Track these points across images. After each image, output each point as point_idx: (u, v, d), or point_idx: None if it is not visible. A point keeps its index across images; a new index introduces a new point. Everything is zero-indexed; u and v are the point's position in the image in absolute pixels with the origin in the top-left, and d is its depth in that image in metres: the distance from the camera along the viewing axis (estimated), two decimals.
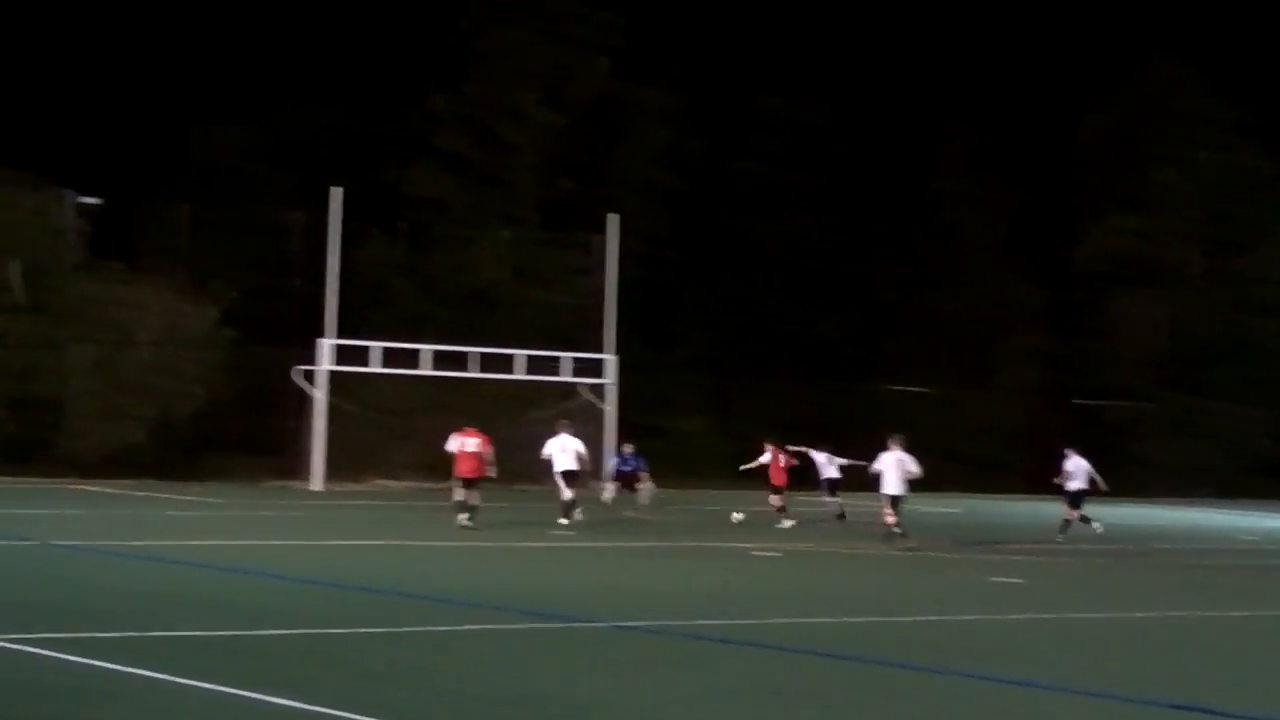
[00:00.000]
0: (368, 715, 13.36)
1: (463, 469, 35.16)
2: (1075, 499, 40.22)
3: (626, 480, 42.30)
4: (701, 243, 64.37)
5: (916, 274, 68.61)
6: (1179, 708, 15.77)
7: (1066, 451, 41.26)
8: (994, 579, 28.97)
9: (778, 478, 40.37)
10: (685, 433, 57.36)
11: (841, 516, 41.25)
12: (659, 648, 18.77)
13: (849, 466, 41.42)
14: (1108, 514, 51.79)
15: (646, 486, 41.96)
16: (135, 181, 56.27)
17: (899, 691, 16.35)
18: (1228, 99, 71.24)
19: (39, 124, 57.63)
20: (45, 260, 51.27)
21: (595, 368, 51.19)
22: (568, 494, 36.09)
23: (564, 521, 35.72)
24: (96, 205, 51.11)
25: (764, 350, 64.56)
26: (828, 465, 42.61)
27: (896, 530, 34.99)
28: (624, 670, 16.82)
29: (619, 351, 52.03)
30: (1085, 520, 39.69)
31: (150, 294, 51.08)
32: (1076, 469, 40.63)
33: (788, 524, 38.59)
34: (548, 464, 37.02)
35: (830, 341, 65.73)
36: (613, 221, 52.43)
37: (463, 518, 34.35)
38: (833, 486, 42.46)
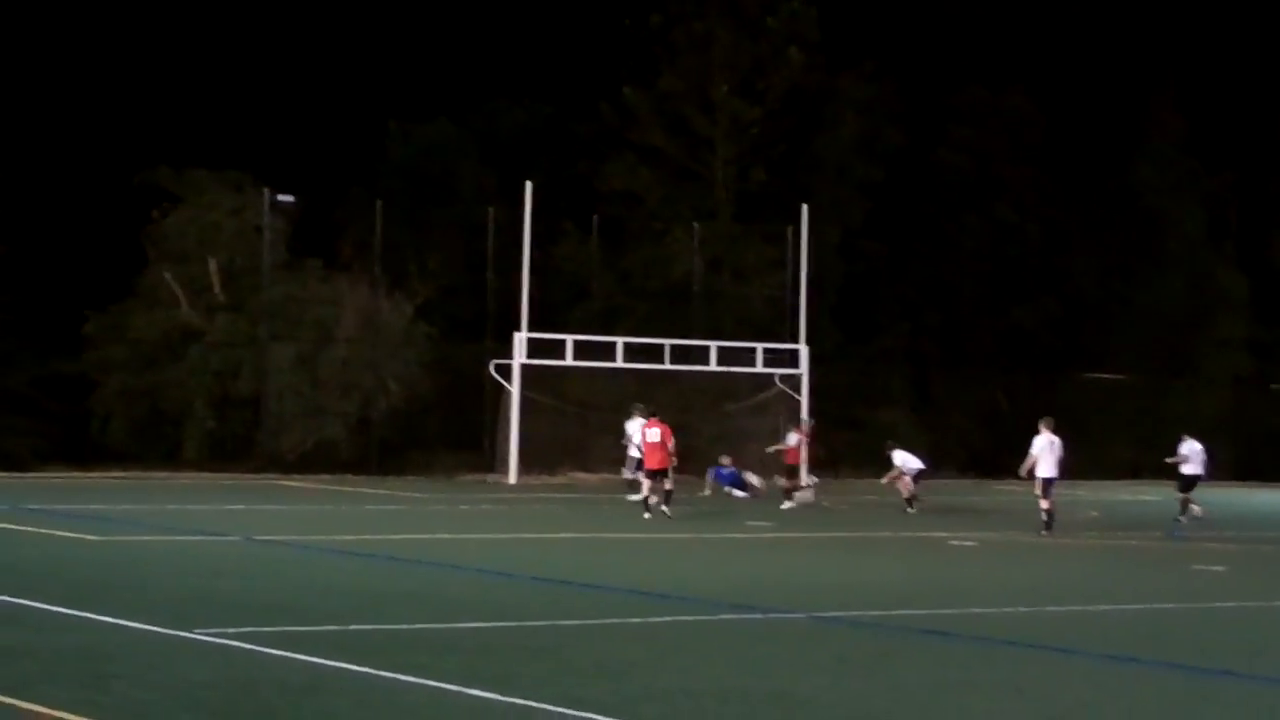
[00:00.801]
0: (574, 709, 13.32)
1: (649, 461, 35.40)
2: (1188, 483, 39.79)
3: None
4: (900, 233, 64.01)
5: (1117, 262, 67.75)
6: None
7: (1183, 436, 40.99)
8: (1196, 567, 28.53)
9: (793, 458, 41.82)
10: (883, 423, 57.00)
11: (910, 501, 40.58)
12: (859, 640, 18.67)
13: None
14: None
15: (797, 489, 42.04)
16: (333, 179, 56.97)
17: (1103, 683, 16.15)
18: None
19: (237, 123, 58.55)
20: (244, 258, 52.05)
21: (789, 358, 51.07)
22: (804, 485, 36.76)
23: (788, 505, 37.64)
24: (294, 203, 51.79)
25: (963, 341, 64.12)
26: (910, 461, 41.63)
27: (1044, 516, 34.53)
28: (827, 664, 16.69)
29: (815, 343, 51.90)
30: (1186, 505, 39.24)
31: (348, 291, 51.71)
32: (1191, 453, 40.34)
33: (788, 505, 39.59)
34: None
35: (1030, 331, 65.12)
36: (805, 212, 52.29)
37: (646, 515, 34.74)
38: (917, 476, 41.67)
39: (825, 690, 15.08)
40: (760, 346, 50.68)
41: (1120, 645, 18.56)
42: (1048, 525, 34.54)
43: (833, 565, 27.72)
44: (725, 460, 46.10)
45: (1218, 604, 23.12)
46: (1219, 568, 28.55)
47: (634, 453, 41.40)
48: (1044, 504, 34.76)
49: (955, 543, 32.27)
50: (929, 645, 18.34)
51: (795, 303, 51.97)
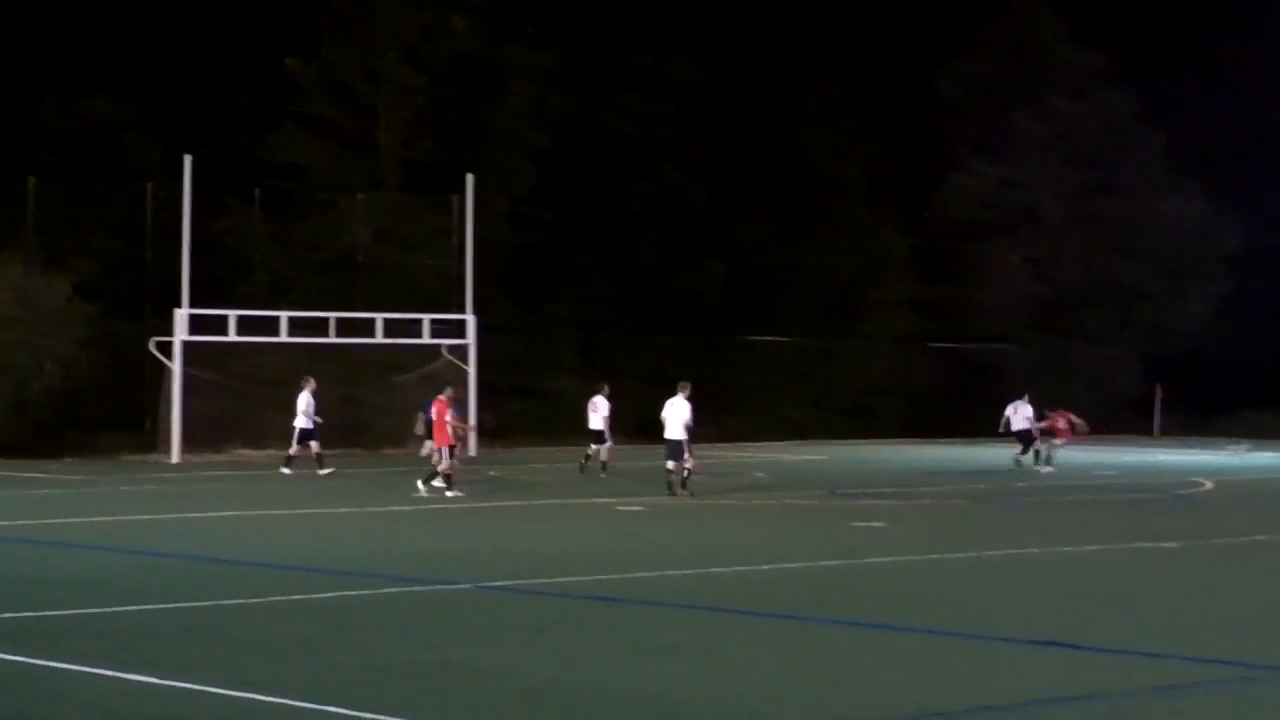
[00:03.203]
0: (241, 690, 13.17)
1: (439, 439, 35.07)
2: (1024, 437, 45.79)
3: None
4: (570, 201, 64.10)
5: (784, 226, 68.75)
6: (1040, 643, 15.90)
7: (1012, 400, 46.59)
8: (856, 524, 29.14)
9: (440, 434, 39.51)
10: (557, 392, 57.14)
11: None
12: (526, 608, 18.71)
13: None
14: (978, 456, 52.48)
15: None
16: None
17: (771, 640, 16.40)
18: (1086, 43, 71.80)
19: None
20: None
21: (456, 329, 50.89)
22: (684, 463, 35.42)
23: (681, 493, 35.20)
24: None
25: (634, 306, 64.49)
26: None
27: (681, 475, 34.89)
28: (495, 633, 16.74)
29: (484, 312, 51.76)
30: (1027, 455, 45.63)
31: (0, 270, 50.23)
32: (1017, 412, 46.02)
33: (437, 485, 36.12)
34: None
35: (700, 296, 65.76)
36: (470, 181, 52.12)
37: (450, 492, 34.39)
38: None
39: (494, 660, 15.10)
40: (427, 318, 50.35)
41: (783, 603, 18.88)
42: (683, 484, 34.85)
43: (500, 534, 27.68)
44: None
45: (876, 559, 23.63)
46: (878, 523, 29.19)
47: (302, 423, 41.43)
48: (688, 464, 35.02)
49: (623, 508, 32.52)
50: (596, 610, 18.47)
51: (463, 272, 51.81)
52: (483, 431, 48.09)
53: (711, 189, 67.20)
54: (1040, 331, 71.29)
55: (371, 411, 51.10)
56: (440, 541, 26.27)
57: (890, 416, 66.89)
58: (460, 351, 50.38)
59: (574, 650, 15.57)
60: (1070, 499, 36.17)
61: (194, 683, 13.43)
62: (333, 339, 48.87)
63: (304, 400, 41.97)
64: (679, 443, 34.90)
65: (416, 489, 34.72)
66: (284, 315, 48.68)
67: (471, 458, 41.07)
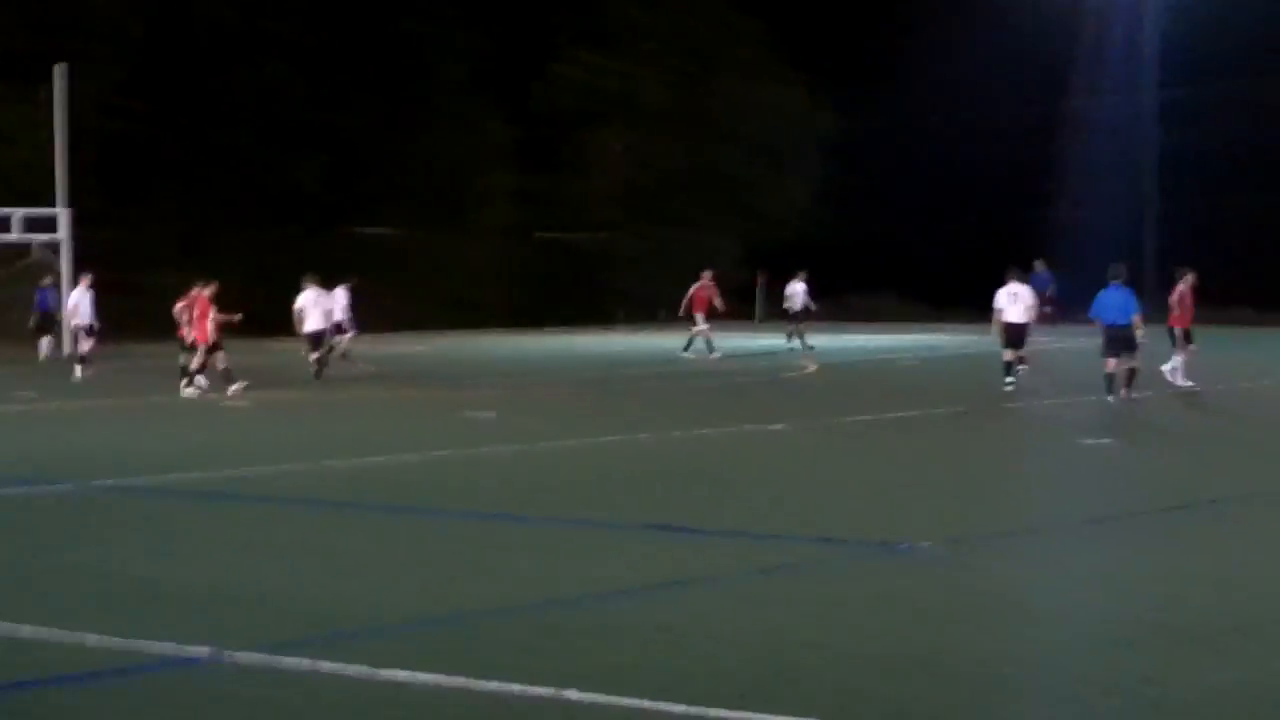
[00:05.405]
0: None
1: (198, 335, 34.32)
2: (797, 316, 48.77)
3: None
4: (171, 93, 62.51)
5: (388, 117, 68.11)
6: (654, 528, 16.08)
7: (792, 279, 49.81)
8: (467, 414, 29.16)
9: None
10: (160, 287, 55.85)
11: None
12: (134, 507, 18.32)
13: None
14: (586, 344, 52.96)
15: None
16: None
17: (389, 533, 16.32)
18: None
19: None
20: None
21: (49, 224, 49.36)
22: None
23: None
24: None
25: (238, 199, 63.38)
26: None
27: (318, 366, 36.82)
28: (104, 532, 16.38)
29: (80, 205, 50.32)
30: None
31: None
32: (794, 292, 49.18)
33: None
34: None
35: (304, 188, 64.87)
36: (60, 71, 50.36)
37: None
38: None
39: (103, 559, 14.77)
40: (17, 212, 48.69)
41: (399, 495, 18.80)
42: (318, 374, 36.39)
43: (104, 433, 27.04)
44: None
45: (490, 449, 23.66)
46: (490, 413, 29.25)
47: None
48: (313, 356, 36.38)
49: (230, 404, 32.04)
50: (208, 508, 18.15)
51: (54, 166, 50.16)
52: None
53: (312, 80, 66.17)
54: (644, 220, 72.06)
55: None
56: (41, 442, 25.52)
57: (497, 307, 67.10)
58: (54, 247, 48.99)
59: (186, 549, 15.28)
60: (676, 385, 36.70)
61: None
62: None
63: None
64: (320, 332, 36.96)
65: (183, 391, 33.81)
66: None
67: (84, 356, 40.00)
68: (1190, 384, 32.29)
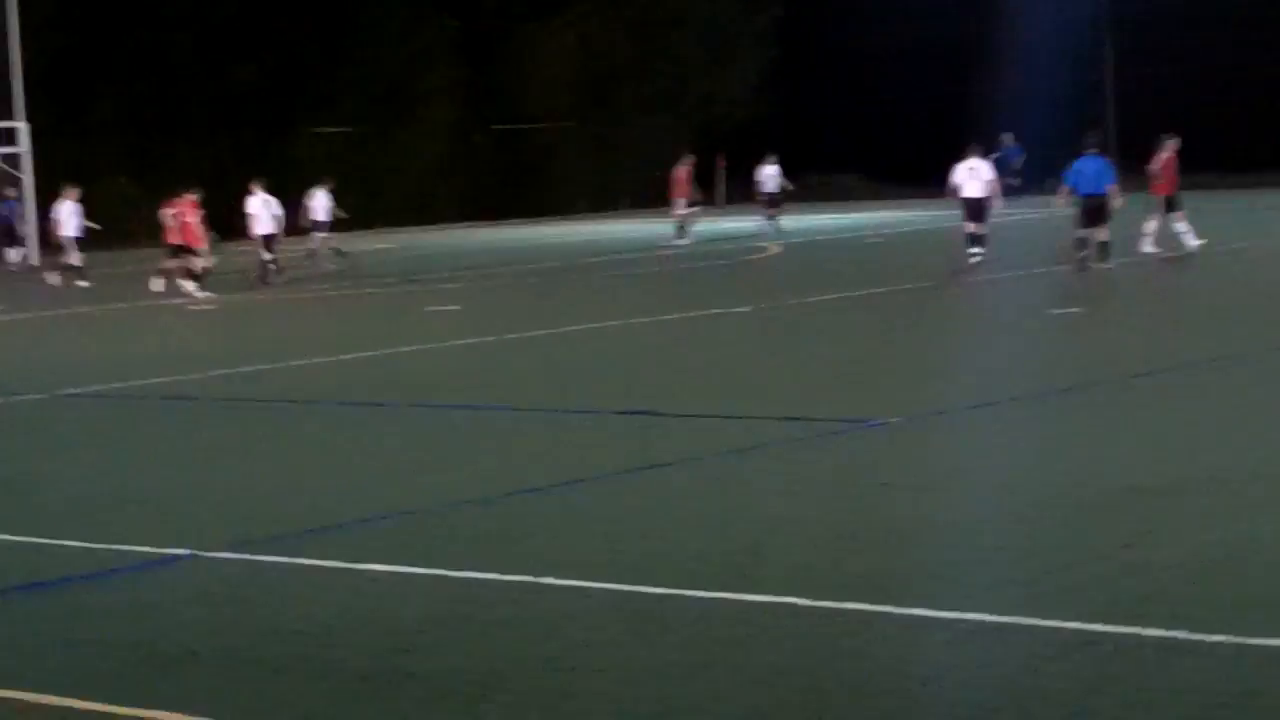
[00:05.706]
0: None
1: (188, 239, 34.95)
2: (772, 201, 48.02)
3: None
4: (109, 3, 61.78)
5: (331, 15, 67.38)
6: (625, 413, 16.04)
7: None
8: (430, 309, 29.03)
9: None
10: (110, 196, 55.49)
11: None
12: (105, 414, 18.23)
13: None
14: (542, 235, 52.80)
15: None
16: None
17: (356, 429, 16.24)
18: None
19: None
20: None
21: (8, 137, 49.25)
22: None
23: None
24: None
25: (184, 104, 62.84)
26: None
27: (272, 267, 37.01)
28: (71, 439, 16.29)
29: (31, 119, 50.04)
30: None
31: None
32: (765, 176, 48.65)
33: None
34: None
35: (250, 90, 64.25)
36: None
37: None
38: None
39: (76, 466, 14.71)
40: None
41: (367, 392, 18.71)
42: (264, 278, 36.55)
43: (70, 342, 26.90)
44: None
45: (455, 342, 23.55)
46: (454, 307, 29.13)
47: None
48: (266, 256, 36.82)
49: (194, 308, 31.89)
50: (174, 412, 18.06)
51: (10, 80, 49.85)
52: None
53: None
54: (595, 108, 71.67)
55: None
56: (13, 353, 25.36)
57: (451, 201, 66.83)
58: (13, 160, 48.89)
59: (146, 455, 15.20)
60: (641, 270, 36.60)
61: None
62: None
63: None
64: (271, 235, 37.25)
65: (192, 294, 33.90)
66: None
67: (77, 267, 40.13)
68: (1158, 250, 32.25)
